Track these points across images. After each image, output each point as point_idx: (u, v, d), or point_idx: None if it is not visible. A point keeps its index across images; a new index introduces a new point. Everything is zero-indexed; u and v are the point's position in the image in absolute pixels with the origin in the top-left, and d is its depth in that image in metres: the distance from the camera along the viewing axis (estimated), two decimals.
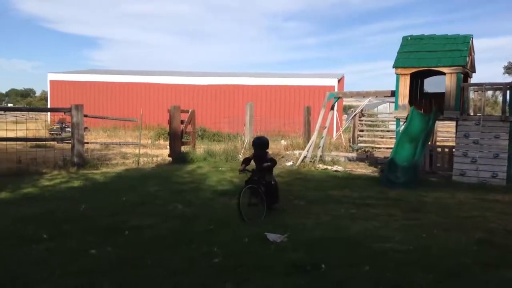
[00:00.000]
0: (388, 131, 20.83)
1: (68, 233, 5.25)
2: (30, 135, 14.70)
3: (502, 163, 10.02)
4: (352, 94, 15.41)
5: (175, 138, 13.38)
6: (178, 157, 13.04)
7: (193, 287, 3.71)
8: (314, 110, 19.09)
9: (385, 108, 32.42)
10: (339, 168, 12.13)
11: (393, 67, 11.48)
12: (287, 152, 14.59)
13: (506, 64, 45.78)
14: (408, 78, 11.40)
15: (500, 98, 16.68)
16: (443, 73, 11.06)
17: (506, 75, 45.53)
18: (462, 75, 11.08)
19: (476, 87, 11.50)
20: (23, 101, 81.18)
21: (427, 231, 5.57)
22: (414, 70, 11.34)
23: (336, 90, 25.16)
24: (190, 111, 14.35)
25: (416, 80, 12.59)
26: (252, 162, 6.63)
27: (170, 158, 13.25)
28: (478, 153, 10.21)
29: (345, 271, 4.08)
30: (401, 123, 11.72)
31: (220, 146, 15.61)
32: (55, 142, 14.66)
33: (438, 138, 17.97)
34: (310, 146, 13.00)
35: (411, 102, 11.87)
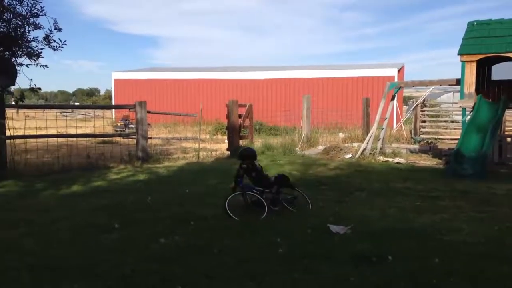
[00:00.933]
0: (452, 121, 20.00)
1: (137, 223, 5.48)
2: (97, 131, 15.46)
3: None
4: (414, 84, 14.90)
5: (233, 132, 13.55)
6: (236, 151, 13.18)
7: (265, 274, 3.76)
8: (373, 101, 18.69)
9: (449, 98, 31.05)
10: (401, 160, 11.81)
11: (458, 54, 10.97)
12: (346, 145, 14.37)
13: None
14: (474, 65, 10.87)
15: None
16: None
17: None
18: None
19: None
20: (89, 100, 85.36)
21: (499, 224, 5.31)
22: (480, 56, 10.79)
23: (396, 80, 24.42)
24: (247, 105, 14.47)
25: (483, 67, 11.97)
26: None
27: (228, 152, 13.45)
28: None
29: (413, 263, 3.98)
30: (467, 112, 11.20)
31: (277, 139, 15.66)
32: (120, 137, 15.35)
33: (508, 128, 16.98)
34: (369, 138, 12.74)
35: (477, 90, 11.31)
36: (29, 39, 8.42)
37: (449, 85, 13.39)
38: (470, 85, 10.94)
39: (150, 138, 12.75)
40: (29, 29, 8.45)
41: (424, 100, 19.70)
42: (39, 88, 8.56)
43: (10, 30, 8.32)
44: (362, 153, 12.34)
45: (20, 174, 9.36)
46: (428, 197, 7.14)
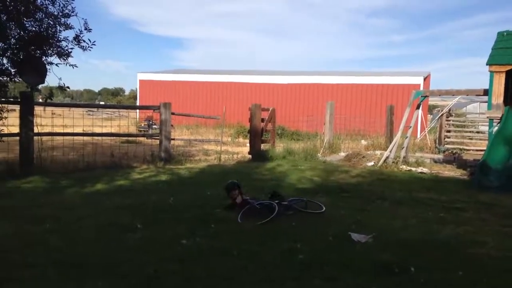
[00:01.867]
0: (477, 132, 19.61)
1: (159, 223, 5.55)
2: (121, 131, 15.70)
3: None
4: (440, 93, 14.67)
5: (255, 135, 13.58)
6: (258, 155, 13.23)
7: (284, 280, 3.76)
8: (397, 109, 18.46)
9: (475, 108, 30.43)
10: (425, 170, 11.63)
11: (487, 64, 10.77)
12: (368, 152, 14.25)
13: None
14: (503, 76, 10.65)
15: None
16: None
17: None
18: None
19: None
20: (114, 99, 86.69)
21: None
22: (510, 67, 10.56)
23: (421, 88, 24.09)
24: (270, 109, 14.49)
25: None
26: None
27: (249, 156, 13.48)
28: None
29: (436, 274, 3.92)
30: (495, 123, 10.97)
31: (299, 144, 15.64)
32: (144, 138, 15.56)
33: None
34: (393, 146, 12.59)
35: (506, 101, 11.08)
36: (59, 38, 8.62)
37: (477, 95, 13.16)
38: (498, 96, 10.72)
39: (173, 139, 12.88)
40: (60, 29, 8.66)
41: (449, 110, 19.38)
42: (68, 87, 8.77)
43: (42, 29, 8.53)
44: (384, 161, 12.21)
45: (46, 170, 9.57)
46: (452, 208, 7.02)
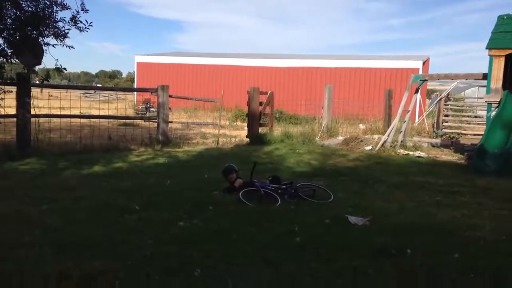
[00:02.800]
0: (475, 116, 19.60)
1: (157, 206, 5.54)
2: (119, 114, 15.62)
3: None
4: (439, 77, 14.61)
5: (253, 119, 13.55)
6: (256, 138, 13.22)
7: (282, 262, 3.77)
8: (396, 93, 18.45)
9: (473, 93, 30.45)
10: (422, 154, 11.65)
11: (487, 48, 10.70)
12: (366, 136, 14.24)
13: None
14: (502, 60, 10.59)
15: None
16: None
17: None
18: None
19: None
20: (111, 82, 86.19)
21: None
22: (510, 51, 10.50)
23: (420, 72, 23.99)
24: (268, 92, 14.42)
25: (511, 63, 11.66)
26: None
27: (247, 139, 13.47)
28: None
29: (433, 257, 3.94)
30: (493, 108, 10.96)
31: (297, 128, 15.61)
32: (141, 120, 15.51)
33: None
34: (391, 130, 12.59)
35: (504, 86, 11.04)
36: (56, 19, 8.48)
37: (475, 79, 13.11)
38: (497, 80, 10.68)
39: (171, 122, 12.83)
40: (57, 9, 8.50)
41: (448, 94, 19.33)
42: (65, 68, 8.66)
43: (38, 9, 8.39)
44: (382, 145, 12.21)
45: (43, 152, 9.55)
46: (448, 192, 7.04)
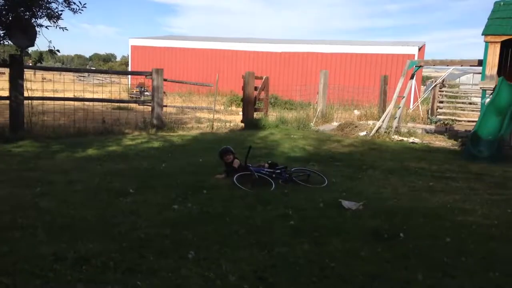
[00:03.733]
0: (470, 103, 19.66)
1: (151, 189, 5.55)
2: (113, 97, 15.52)
3: None
4: (435, 63, 14.63)
5: (248, 104, 13.51)
6: (251, 123, 13.20)
7: (275, 244, 3.80)
8: (391, 79, 18.43)
9: (468, 79, 30.51)
10: (416, 140, 11.70)
11: (482, 34, 10.69)
12: (361, 122, 14.26)
13: None
14: (498, 47, 10.60)
15: None
16: None
17: None
18: None
19: None
20: (105, 65, 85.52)
21: None
22: (505, 37, 10.50)
23: (416, 58, 23.95)
24: (264, 77, 14.37)
25: (507, 50, 11.67)
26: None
27: (242, 124, 13.45)
28: None
29: (425, 241, 3.98)
30: (487, 94, 10.99)
31: (292, 114, 15.61)
32: (136, 104, 15.42)
33: None
34: (386, 116, 12.61)
35: (499, 72, 11.06)
36: (49, 0, 8.39)
37: (471, 66, 13.13)
38: (492, 66, 10.70)
39: (165, 106, 12.78)
40: None
41: (443, 81, 19.34)
42: (58, 50, 8.60)
43: None
44: (377, 131, 12.24)
45: (36, 135, 9.49)
46: (442, 177, 7.09)
